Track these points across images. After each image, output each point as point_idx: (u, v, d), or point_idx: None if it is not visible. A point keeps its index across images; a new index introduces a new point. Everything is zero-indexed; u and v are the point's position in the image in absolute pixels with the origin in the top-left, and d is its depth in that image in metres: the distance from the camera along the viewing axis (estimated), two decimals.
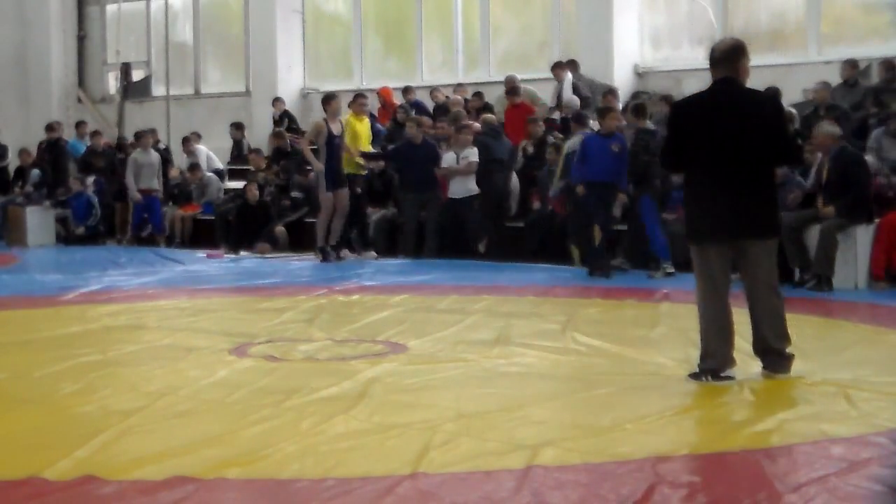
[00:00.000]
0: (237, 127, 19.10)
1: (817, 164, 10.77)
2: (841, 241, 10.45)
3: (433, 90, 16.58)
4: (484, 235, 13.54)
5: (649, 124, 11.97)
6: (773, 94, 6.62)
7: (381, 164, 14.54)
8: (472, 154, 13.52)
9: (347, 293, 10.50)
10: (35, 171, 18.54)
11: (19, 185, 18.88)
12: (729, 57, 6.23)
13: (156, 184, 16.76)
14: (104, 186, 17.83)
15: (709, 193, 6.14)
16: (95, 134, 18.94)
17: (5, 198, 18.84)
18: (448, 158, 13.70)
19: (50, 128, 18.97)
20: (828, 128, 10.68)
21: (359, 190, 14.09)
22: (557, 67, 15.34)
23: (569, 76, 15.18)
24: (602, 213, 11.60)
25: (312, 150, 13.96)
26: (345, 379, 6.29)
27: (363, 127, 14.18)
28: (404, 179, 14.10)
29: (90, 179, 17.79)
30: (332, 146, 13.47)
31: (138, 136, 17.25)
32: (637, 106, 12.41)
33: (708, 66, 6.33)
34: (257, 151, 16.96)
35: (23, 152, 19.15)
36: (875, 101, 12.94)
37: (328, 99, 13.81)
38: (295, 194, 15.91)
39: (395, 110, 16.21)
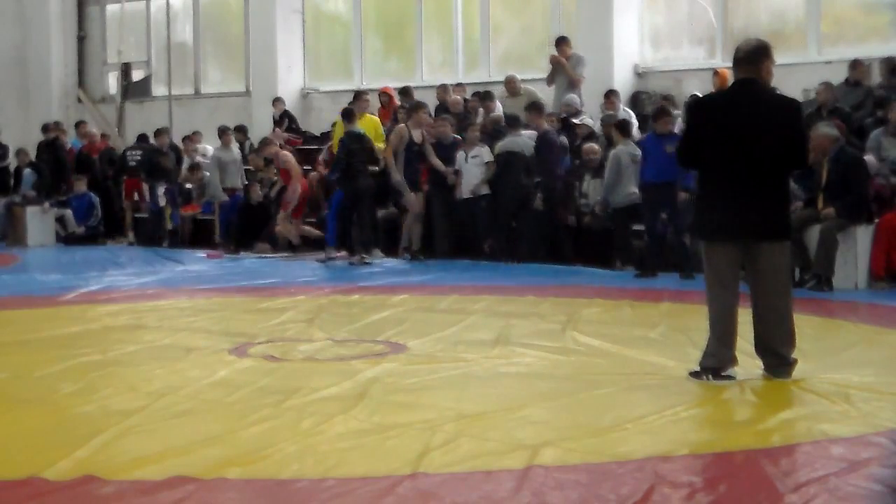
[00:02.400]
0: (239, 130, 19.07)
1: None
2: (841, 241, 10.46)
3: (441, 88, 16.50)
4: (489, 236, 13.48)
5: (356, 128, 13.82)
6: (794, 100, 6.58)
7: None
8: (485, 154, 13.43)
9: (347, 293, 10.50)
10: (27, 171, 18.46)
11: (16, 187, 18.81)
12: (751, 58, 6.22)
13: (239, 182, 16.47)
14: (175, 194, 16.98)
15: (721, 192, 6.14)
16: (161, 132, 17.85)
17: (6, 198, 18.78)
18: (458, 158, 13.63)
19: (46, 128, 18.93)
20: (825, 130, 10.67)
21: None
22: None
23: (499, 105, 15.06)
24: (655, 215, 11.77)
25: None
26: (345, 379, 6.29)
27: (365, 124, 14.18)
28: (432, 178, 14.01)
29: (161, 189, 16.86)
30: (412, 152, 13.75)
31: (221, 131, 16.78)
32: (345, 111, 14.11)
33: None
34: (257, 152, 16.96)
35: (20, 152, 19.07)
36: (875, 101, 12.93)
37: (415, 108, 14.15)
38: None
39: (395, 110, 16.21)
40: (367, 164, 13.89)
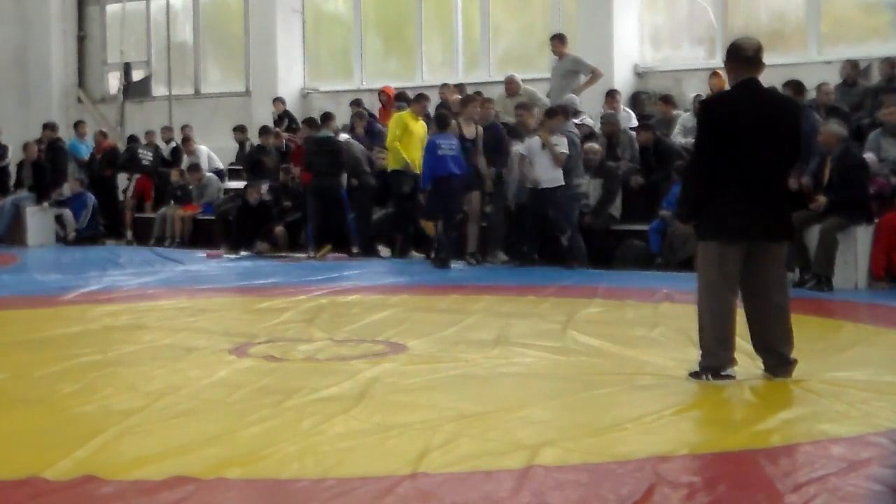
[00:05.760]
0: (240, 130, 19.09)
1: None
2: (841, 241, 10.46)
3: (443, 87, 16.47)
4: (567, 228, 12.76)
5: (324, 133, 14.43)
6: (794, 100, 6.64)
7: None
8: (562, 144, 12.69)
9: (347, 293, 10.50)
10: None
11: (14, 184, 18.71)
12: (759, 57, 6.22)
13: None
14: (280, 193, 15.83)
15: (735, 193, 6.10)
16: (266, 130, 17.11)
17: (13, 197, 18.68)
18: (533, 144, 12.70)
19: (49, 127, 18.87)
20: (834, 127, 10.68)
21: (406, 189, 13.94)
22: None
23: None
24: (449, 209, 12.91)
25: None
26: (345, 379, 6.29)
27: (419, 127, 13.91)
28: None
29: (264, 188, 15.90)
30: (464, 150, 13.15)
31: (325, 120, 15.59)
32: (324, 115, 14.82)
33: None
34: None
35: (28, 146, 18.74)
36: (874, 100, 12.93)
37: (465, 102, 13.65)
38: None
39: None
40: (333, 167, 14.43)
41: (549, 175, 12.58)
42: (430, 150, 12.83)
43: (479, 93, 16.21)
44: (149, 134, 19.22)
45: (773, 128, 6.13)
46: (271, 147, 16.93)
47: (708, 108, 6.42)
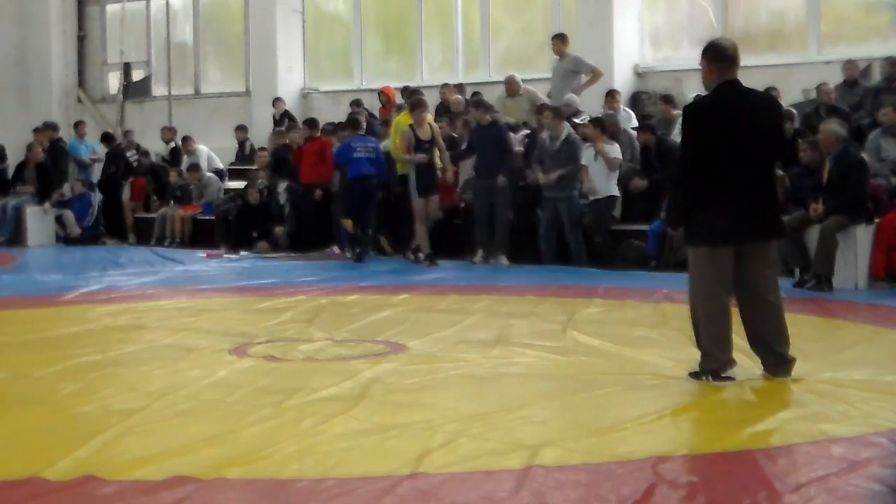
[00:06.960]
0: (241, 129, 19.06)
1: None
2: (841, 241, 10.45)
3: (443, 87, 16.44)
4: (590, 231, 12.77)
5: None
6: (771, 94, 6.65)
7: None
8: (614, 150, 12.70)
9: (347, 293, 10.51)
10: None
11: (20, 182, 18.64)
12: (738, 57, 6.27)
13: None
14: (299, 194, 15.53)
15: (724, 196, 6.10)
16: (290, 128, 16.73)
17: (5, 199, 18.65)
18: (588, 154, 12.78)
19: (50, 127, 18.82)
20: (833, 127, 10.68)
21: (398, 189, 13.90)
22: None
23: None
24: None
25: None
26: (345, 379, 6.29)
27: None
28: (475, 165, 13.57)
29: (283, 186, 15.78)
30: (421, 151, 13.15)
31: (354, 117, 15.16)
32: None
33: (707, 64, 6.30)
34: (263, 150, 16.87)
35: (32, 147, 18.59)
36: (875, 101, 12.94)
37: (415, 106, 13.55)
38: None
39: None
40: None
41: (603, 184, 12.70)
42: (346, 151, 13.71)
43: (477, 93, 16.25)
44: (127, 133, 19.19)
45: (758, 126, 6.15)
46: (295, 144, 16.40)
47: (693, 113, 6.36)
